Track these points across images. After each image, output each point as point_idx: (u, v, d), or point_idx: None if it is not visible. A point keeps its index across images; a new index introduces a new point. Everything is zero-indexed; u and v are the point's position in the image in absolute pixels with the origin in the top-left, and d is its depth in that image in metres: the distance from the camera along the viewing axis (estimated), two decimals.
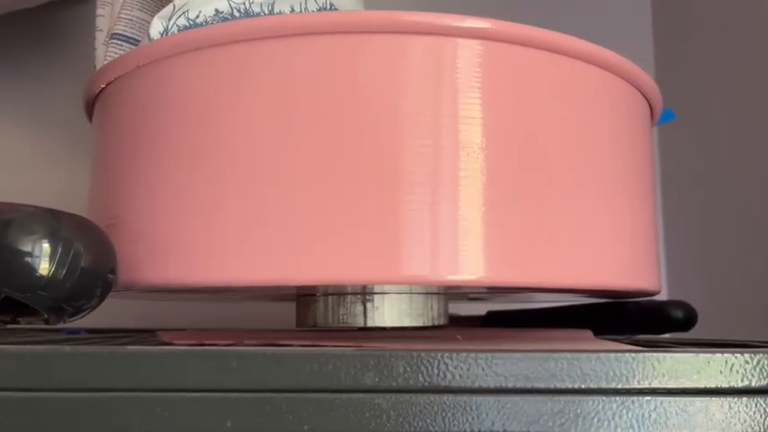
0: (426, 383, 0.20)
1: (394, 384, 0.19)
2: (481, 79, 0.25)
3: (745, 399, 0.20)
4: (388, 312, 0.32)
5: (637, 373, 0.20)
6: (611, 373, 0.20)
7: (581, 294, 0.33)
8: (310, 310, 0.34)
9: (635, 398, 0.20)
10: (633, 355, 0.20)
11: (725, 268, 0.49)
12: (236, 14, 0.29)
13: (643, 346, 0.32)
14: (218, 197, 0.25)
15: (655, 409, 0.20)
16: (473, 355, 0.20)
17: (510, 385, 0.20)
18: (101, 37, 0.38)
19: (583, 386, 0.20)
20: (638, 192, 0.29)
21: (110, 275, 0.25)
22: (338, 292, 0.32)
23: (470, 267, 0.24)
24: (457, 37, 0.25)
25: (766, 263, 0.44)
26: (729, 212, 0.49)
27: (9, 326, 0.28)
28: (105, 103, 0.31)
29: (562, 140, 0.26)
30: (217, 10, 0.29)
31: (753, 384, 0.20)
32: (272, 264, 0.24)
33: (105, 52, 0.36)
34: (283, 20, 0.25)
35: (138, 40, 0.34)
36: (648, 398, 0.20)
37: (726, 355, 0.20)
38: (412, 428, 0.19)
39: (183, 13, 0.29)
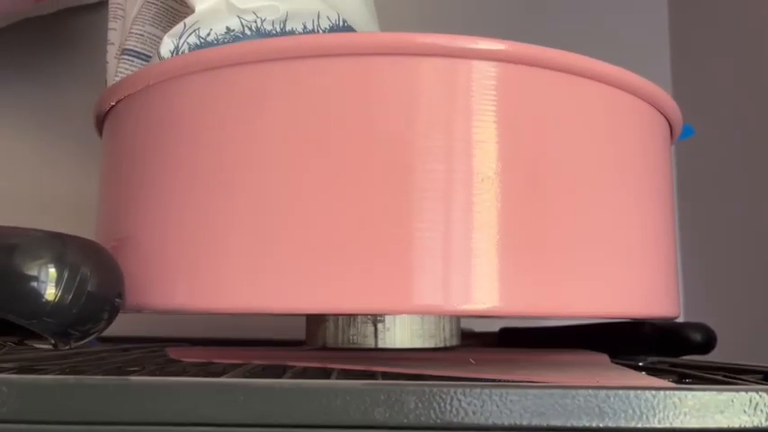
0: (438, 420, 0.19)
1: (405, 421, 0.19)
2: (496, 102, 0.24)
3: None
4: (400, 334, 0.32)
5: (657, 411, 0.19)
6: (631, 412, 0.19)
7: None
8: (320, 330, 0.33)
9: None
10: (653, 392, 0.19)
11: (740, 287, 0.48)
12: (248, 32, 0.28)
13: (660, 370, 0.31)
14: (227, 221, 0.25)
15: None
16: (487, 391, 0.19)
17: (525, 423, 0.19)
18: (112, 50, 0.38)
19: (601, 425, 0.19)
20: (657, 216, 0.28)
21: (117, 299, 0.24)
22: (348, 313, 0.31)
23: (484, 297, 0.23)
24: (471, 59, 0.24)
25: None
26: (746, 231, 0.48)
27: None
28: (115, 120, 0.30)
29: (579, 166, 0.25)
30: (228, 28, 0.28)
31: None
32: (281, 292, 0.23)
33: (117, 67, 0.35)
34: (296, 41, 0.25)
35: (150, 56, 0.34)
36: None
37: (750, 393, 0.19)
38: None
39: (194, 31, 0.28)
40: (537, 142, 0.25)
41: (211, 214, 0.25)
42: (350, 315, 0.32)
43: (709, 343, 0.35)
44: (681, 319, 0.37)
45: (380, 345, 0.32)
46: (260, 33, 0.29)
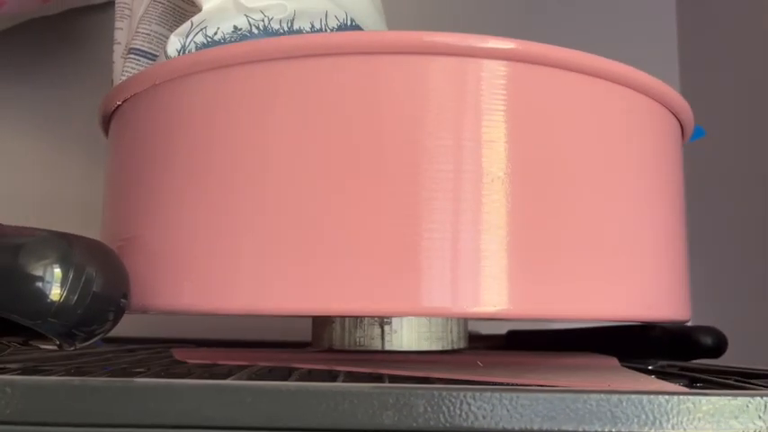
0: (448, 424, 0.19)
1: (414, 425, 0.19)
2: (506, 101, 0.24)
3: None
4: (407, 336, 0.32)
5: (671, 416, 0.19)
6: (644, 417, 0.19)
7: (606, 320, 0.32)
8: (326, 332, 0.33)
9: None
10: (667, 397, 0.19)
11: (751, 291, 0.47)
12: (255, 31, 0.28)
13: (670, 374, 0.31)
14: (234, 221, 0.24)
15: None
16: (497, 395, 0.19)
17: (536, 427, 0.19)
18: (119, 50, 0.37)
19: (613, 430, 0.19)
20: (668, 218, 0.28)
21: (122, 300, 0.24)
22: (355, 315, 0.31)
23: (492, 299, 0.23)
24: (481, 58, 0.24)
25: None
26: (757, 233, 0.47)
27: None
28: (121, 120, 0.30)
29: (590, 166, 0.25)
30: (235, 27, 0.28)
31: None
32: (289, 293, 0.23)
33: (123, 66, 0.35)
34: (305, 39, 0.24)
35: (156, 56, 0.33)
36: None
37: (765, 398, 0.19)
38: None
39: (201, 29, 0.28)
40: (547, 142, 0.24)
41: (218, 214, 0.25)
42: (357, 317, 0.32)
43: (719, 347, 0.35)
44: (691, 323, 0.36)
45: (387, 347, 0.31)
46: (267, 32, 0.28)
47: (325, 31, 0.30)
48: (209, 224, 0.25)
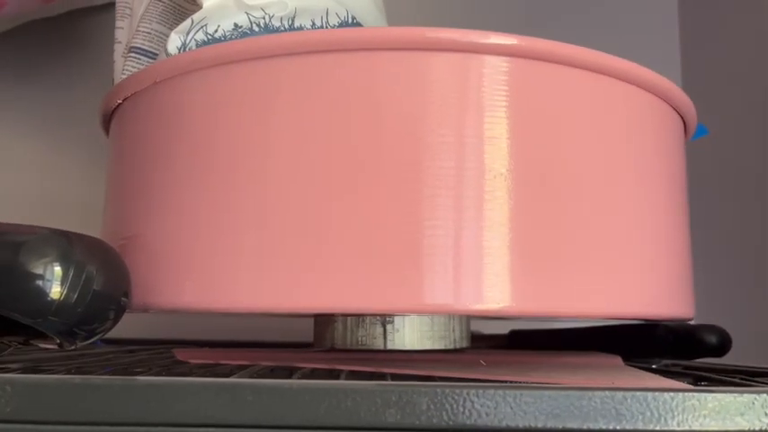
0: (451, 422, 0.19)
1: (417, 422, 0.18)
2: (508, 98, 0.24)
3: None
4: (409, 335, 0.31)
5: (676, 413, 0.19)
6: (649, 414, 0.19)
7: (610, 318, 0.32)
8: (328, 331, 0.33)
9: None
10: (672, 394, 0.19)
11: (755, 289, 0.47)
12: (256, 29, 0.28)
13: (674, 373, 0.30)
14: (236, 219, 0.24)
15: None
16: (501, 392, 0.19)
17: (540, 425, 0.19)
18: (119, 49, 0.37)
19: (618, 427, 0.19)
20: (671, 215, 0.28)
21: (123, 299, 0.24)
22: (357, 313, 0.31)
23: (495, 296, 0.23)
24: (483, 54, 0.24)
25: None
26: (760, 231, 0.47)
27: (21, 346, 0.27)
28: (122, 118, 0.30)
29: (593, 163, 0.25)
30: (236, 24, 0.28)
31: None
32: (291, 291, 0.23)
33: (123, 65, 0.35)
34: (306, 36, 0.24)
35: (157, 54, 0.33)
36: None
37: None
38: None
39: (202, 27, 0.28)
40: (550, 139, 0.24)
41: (219, 212, 0.25)
42: (359, 316, 0.32)
43: (723, 345, 0.34)
44: (694, 321, 0.36)
45: (389, 346, 0.31)
46: (268, 30, 0.28)
47: (326, 28, 0.30)
48: (211, 222, 0.25)
